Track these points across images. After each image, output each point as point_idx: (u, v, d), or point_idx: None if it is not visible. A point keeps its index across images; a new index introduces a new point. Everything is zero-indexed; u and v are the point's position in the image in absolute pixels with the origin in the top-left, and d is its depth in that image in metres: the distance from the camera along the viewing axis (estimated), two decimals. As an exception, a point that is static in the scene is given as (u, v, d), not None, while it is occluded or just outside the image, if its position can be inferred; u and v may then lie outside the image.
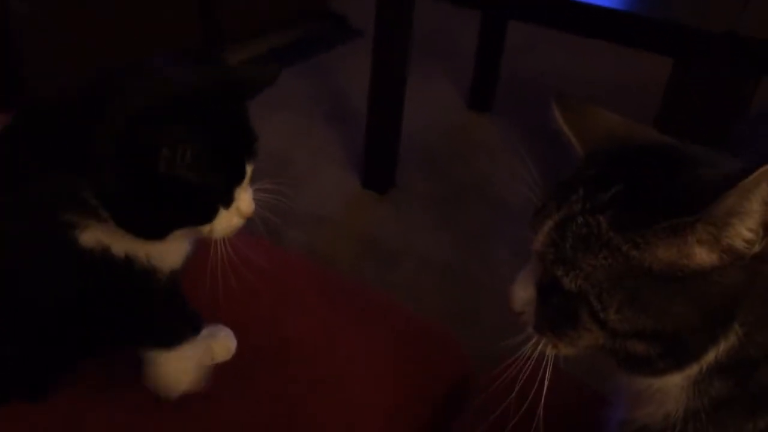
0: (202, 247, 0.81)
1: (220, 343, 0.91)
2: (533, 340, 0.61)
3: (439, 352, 0.96)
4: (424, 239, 1.98)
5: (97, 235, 0.74)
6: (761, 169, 0.49)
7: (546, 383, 0.61)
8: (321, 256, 1.89)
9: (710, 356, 0.56)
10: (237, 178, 0.75)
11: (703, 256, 0.52)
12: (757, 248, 0.52)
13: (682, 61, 1.42)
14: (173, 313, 0.87)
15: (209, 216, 0.75)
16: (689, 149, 0.60)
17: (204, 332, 0.90)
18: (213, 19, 2.37)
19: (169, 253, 0.81)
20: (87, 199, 0.72)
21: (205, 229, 0.76)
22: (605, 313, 0.55)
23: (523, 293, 0.61)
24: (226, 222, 0.76)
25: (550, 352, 0.61)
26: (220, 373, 0.88)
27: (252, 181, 0.78)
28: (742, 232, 0.51)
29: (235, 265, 0.79)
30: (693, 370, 0.57)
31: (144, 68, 0.76)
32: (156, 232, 0.75)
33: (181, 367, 0.85)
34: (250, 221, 0.80)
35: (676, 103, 1.41)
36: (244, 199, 0.77)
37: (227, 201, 0.76)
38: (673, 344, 0.55)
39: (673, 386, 0.58)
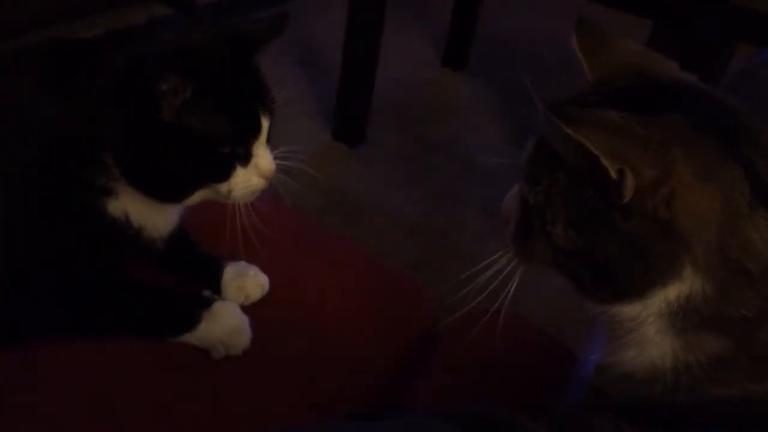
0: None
1: (251, 281, 0.88)
2: (506, 253, 0.65)
3: (405, 297, 0.96)
4: (392, 195, 1.96)
5: (124, 204, 0.74)
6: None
7: (510, 293, 0.66)
8: (287, 205, 1.86)
9: (663, 296, 0.56)
10: (252, 132, 0.73)
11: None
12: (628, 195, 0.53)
13: (662, 23, 1.42)
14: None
15: (226, 172, 0.73)
16: (707, 93, 0.61)
17: (229, 271, 0.87)
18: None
19: (170, 220, 0.81)
20: (108, 162, 0.71)
21: (224, 188, 0.74)
22: (552, 227, 0.58)
23: (510, 202, 0.65)
24: (245, 181, 0.74)
25: (515, 264, 0.64)
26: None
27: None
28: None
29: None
30: (648, 307, 0.58)
31: (150, 28, 0.78)
32: (174, 193, 0.74)
33: (231, 324, 0.82)
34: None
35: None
36: (263, 156, 0.75)
37: (244, 157, 0.74)
38: (603, 272, 0.58)
39: (638, 323, 0.59)
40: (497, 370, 0.87)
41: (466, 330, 0.85)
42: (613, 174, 0.53)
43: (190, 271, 0.88)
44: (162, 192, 0.73)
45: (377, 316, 0.92)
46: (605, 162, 0.52)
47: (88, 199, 0.73)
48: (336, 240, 1.04)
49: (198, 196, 0.75)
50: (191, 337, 0.80)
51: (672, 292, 0.56)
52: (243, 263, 0.89)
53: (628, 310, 0.59)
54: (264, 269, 0.90)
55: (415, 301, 0.96)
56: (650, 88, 0.61)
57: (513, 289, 0.65)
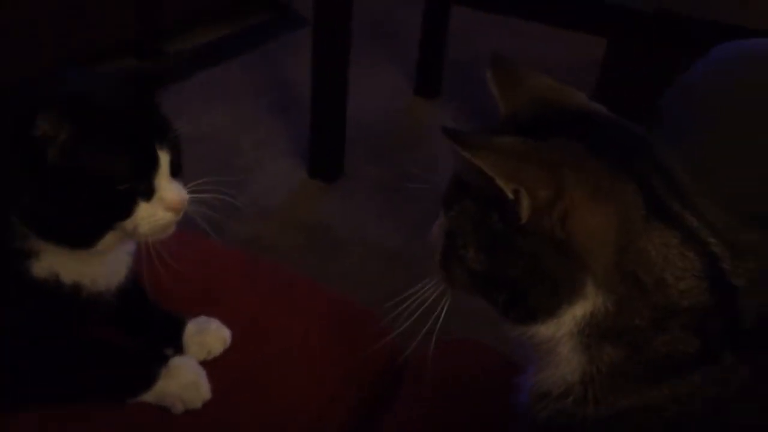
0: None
1: (212, 336, 0.87)
2: (435, 279, 0.67)
3: (367, 332, 0.95)
4: (370, 227, 1.97)
5: (49, 264, 0.73)
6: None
7: (441, 316, 0.68)
8: (267, 246, 1.87)
9: (571, 314, 0.58)
10: (149, 167, 0.72)
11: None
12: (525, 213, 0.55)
13: (615, 40, 1.44)
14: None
15: (127, 209, 0.71)
16: (610, 120, 0.63)
17: (191, 328, 0.87)
18: (150, 8, 2.33)
19: (111, 271, 0.80)
20: (16, 222, 0.70)
21: (129, 225, 0.72)
22: (464, 251, 0.61)
23: (436, 230, 0.67)
24: (150, 216, 0.72)
25: (443, 287, 0.67)
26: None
27: (191, 177, 0.76)
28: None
29: (162, 257, 0.77)
30: (561, 327, 0.59)
31: (46, 77, 0.76)
32: (82, 237, 0.72)
33: (188, 379, 0.82)
34: (189, 218, 0.77)
35: (610, 81, 1.42)
36: (167, 188, 0.73)
37: (146, 192, 0.72)
38: (513, 293, 0.59)
39: (555, 343, 0.60)
40: (461, 398, 0.87)
41: (432, 360, 0.85)
42: (509, 194, 0.55)
43: (150, 330, 0.88)
44: (70, 238, 0.72)
45: (341, 355, 0.92)
46: (501, 183, 0.55)
47: (12, 267, 0.72)
48: (295, 279, 1.04)
49: (111, 238, 0.73)
50: (149, 396, 0.80)
51: (579, 309, 0.57)
52: (204, 318, 0.89)
53: (543, 330, 0.60)
54: (224, 314, 0.90)
55: (377, 336, 0.96)
56: (555, 117, 0.63)
57: (444, 313, 0.67)
